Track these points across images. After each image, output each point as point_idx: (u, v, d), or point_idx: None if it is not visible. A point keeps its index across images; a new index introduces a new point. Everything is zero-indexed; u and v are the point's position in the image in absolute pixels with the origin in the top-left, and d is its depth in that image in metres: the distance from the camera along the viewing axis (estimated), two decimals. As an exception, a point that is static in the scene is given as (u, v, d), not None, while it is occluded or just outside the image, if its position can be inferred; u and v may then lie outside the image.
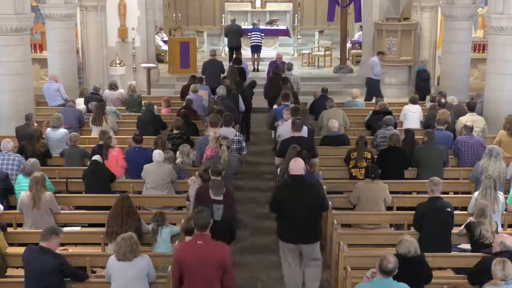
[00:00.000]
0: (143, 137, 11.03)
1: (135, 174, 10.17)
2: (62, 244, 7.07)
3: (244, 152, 10.93)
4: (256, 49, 21.00)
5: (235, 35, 20.35)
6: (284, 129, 10.74)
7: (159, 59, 21.40)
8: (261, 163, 13.82)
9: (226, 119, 10.69)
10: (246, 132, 15.00)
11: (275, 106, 12.94)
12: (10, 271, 7.68)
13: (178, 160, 10.36)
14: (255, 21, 22.57)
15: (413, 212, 8.30)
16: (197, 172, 8.81)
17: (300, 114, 10.98)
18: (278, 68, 15.55)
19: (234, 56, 18.80)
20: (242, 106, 13.82)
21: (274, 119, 12.21)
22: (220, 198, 7.63)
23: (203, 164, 9.28)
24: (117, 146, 10.54)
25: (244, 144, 10.73)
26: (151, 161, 9.70)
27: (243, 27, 21.78)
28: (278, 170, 9.96)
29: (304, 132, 10.44)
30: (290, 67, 15.79)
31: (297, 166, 7.94)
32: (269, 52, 22.33)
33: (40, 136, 10.96)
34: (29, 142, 10.66)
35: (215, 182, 7.86)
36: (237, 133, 10.94)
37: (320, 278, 8.25)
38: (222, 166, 8.39)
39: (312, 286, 8.18)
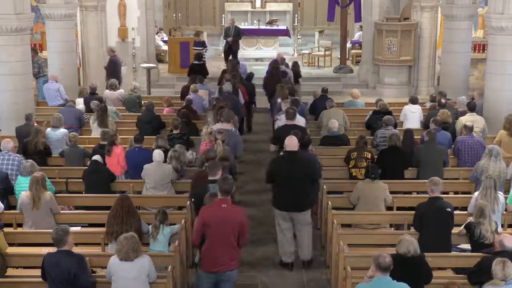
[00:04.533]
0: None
1: (135, 174, 10.16)
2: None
3: (241, 146, 11.39)
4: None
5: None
6: (283, 122, 11.40)
7: (159, 59, 21.40)
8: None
9: (227, 115, 11.16)
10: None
11: (279, 100, 13.30)
12: (10, 271, 7.69)
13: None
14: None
15: (413, 212, 8.29)
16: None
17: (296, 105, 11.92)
18: (277, 62, 16.27)
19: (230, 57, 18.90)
20: (241, 99, 14.32)
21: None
22: (216, 178, 8.11)
23: (200, 157, 9.75)
24: (121, 145, 10.55)
25: (240, 139, 11.32)
26: (151, 161, 9.70)
27: (243, 26, 21.78)
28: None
29: (301, 121, 11.36)
30: (283, 61, 16.66)
31: (291, 143, 8.90)
32: (269, 52, 22.35)
33: (43, 135, 11.03)
34: (34, 138, 10.72)
35: (211, 163, 8.56)
36: (233, 129, 11.30)
37: (311, 239, 9.16)
38: (214, 153, 9.25)
39: (306, 247, 9.10)
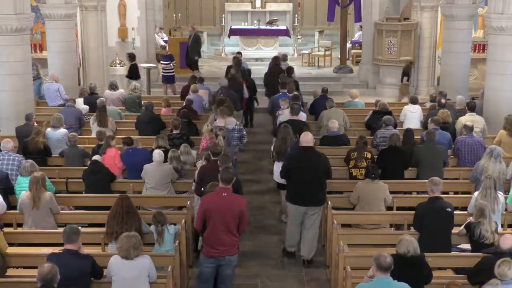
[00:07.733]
0: (143, 137, 11.00)
1: (133, 174, 10.15)
2: (62, 244, 7.04)
3: (245, 140, 11.67)
4: (167, 80, 18.28)
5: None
6: (284, 118, 11.74)
7: (159, 59, 21.34)
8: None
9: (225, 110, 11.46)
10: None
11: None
12: (10, 271, 7.68)
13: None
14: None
15: (413, 212, 8.29)
16: (203, 157, 9.52)
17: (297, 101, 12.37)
18: (277, 59, 16.59)
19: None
20: (246, 93, 14.63)
21: (272, 106, 13.48)
22: None
23: (200, 153, 9.94)
24: (116, 146, 10.53)
25: (244, 132, 11.57)
26: (150, 161, 9.69)
27: (243, 26, 21.73)
28: (272, 147, 11.05)
29: (302, 116, 11.70)
30: (285, 58, 17.05)
31: (306, 138, 9.06)
32: (269, 52, 22.35)
33: (43, 135, 11.05)
34: (34, 138, 10.72)
35: (222, 156, 8.80)
36: (238, 122, 11.57)
37: (316, 238, 9.35)
38: (220, 148, 9.34)
39: (309, 245, 9.24)
